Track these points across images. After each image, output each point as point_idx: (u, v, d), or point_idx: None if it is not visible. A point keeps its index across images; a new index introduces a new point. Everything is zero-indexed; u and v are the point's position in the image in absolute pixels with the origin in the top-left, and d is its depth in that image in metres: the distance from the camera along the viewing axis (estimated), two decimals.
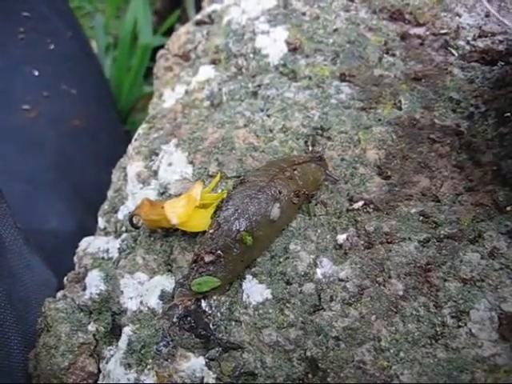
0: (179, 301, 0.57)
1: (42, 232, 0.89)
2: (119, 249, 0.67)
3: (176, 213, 0.60)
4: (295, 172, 0.62)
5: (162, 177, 0.70)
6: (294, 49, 0.79)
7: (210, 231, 0.58)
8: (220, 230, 0.57)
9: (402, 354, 0.51)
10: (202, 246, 0.58)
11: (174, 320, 0.55)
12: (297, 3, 0.85)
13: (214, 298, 0.57)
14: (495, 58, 0.74)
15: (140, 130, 0.78)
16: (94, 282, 0.63)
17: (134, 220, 0.65)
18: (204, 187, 0.63)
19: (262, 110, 0.74)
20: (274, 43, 0.80)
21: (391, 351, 0.52)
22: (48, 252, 0.79)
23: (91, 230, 0.76)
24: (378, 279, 0.56)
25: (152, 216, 0.62)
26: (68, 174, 1.00)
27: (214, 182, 0.64)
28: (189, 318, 0.55)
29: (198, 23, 0.90)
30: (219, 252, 0.56)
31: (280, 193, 0.59)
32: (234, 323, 0.56)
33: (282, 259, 0.59)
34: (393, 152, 0.67)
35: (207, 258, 0.56)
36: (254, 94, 0.77)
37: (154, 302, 0.59)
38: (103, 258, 0.67)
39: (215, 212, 0.61)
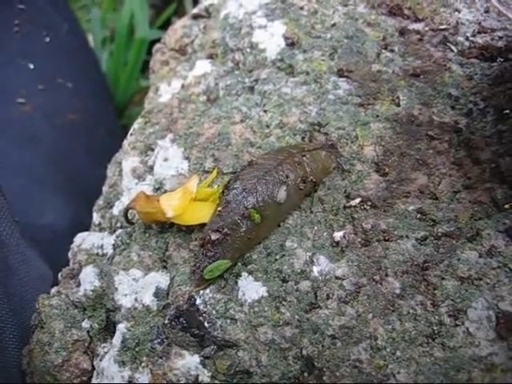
0: (195, 291, 0.57)
1: (37, 226, 0.89)
2: (114, 245, 0.66)
3: (171, 205, 0.60)
4: (304, 158, 0.62)
5: (158, 172, 0.70)
6: (291, 43, 0.78)
7: (219, 209, 0.58)
8: (229, 207, 0.57)
9: (398, 353, 0.51)
10: (210, 224, 0.58)
11: (166, 322, 0.55)
12: None
13: (210, 295, 0.57)
14: (494, 54, 0.73)
15: (136, 125, 0.77)
16: (89, 279, 0.63)
17: (129, 215, 0.65)
18: (200, 182, 0.62)
19: (259, 106, 0.73)
20: (271, 38, 0.80)
21: (388, 350, 0.51)
22: (44, 246, 0.79)
23: (87, 225, 0.76)
24: (374, 277, 0.56)
25: (148, 209, 0.62)
26: (64, 169, 0.99)
27: (212, 178, 0.64)
28: (181, 319, 0.55)
29: (195, 17, 0.90)
30: (226, 230, 0.56)
31: (287, 177, 0.59)
32: (229, 321, 0.55)
33: (278, 256, 0.59)
34: (390, 149, 0.67)
35: (213, 236, 0.56)
36: (251, 89, 0.76)
37: (148, 299, 0.59)
38: (98, 254, 0.67)
39: (223, 192, 0.61)
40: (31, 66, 1.04)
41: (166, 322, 0.55)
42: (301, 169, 0.61)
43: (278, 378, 0.52)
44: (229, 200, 0.58)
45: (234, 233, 0.56)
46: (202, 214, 0.61)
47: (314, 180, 0.62)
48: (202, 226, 0.60)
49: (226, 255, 0.56)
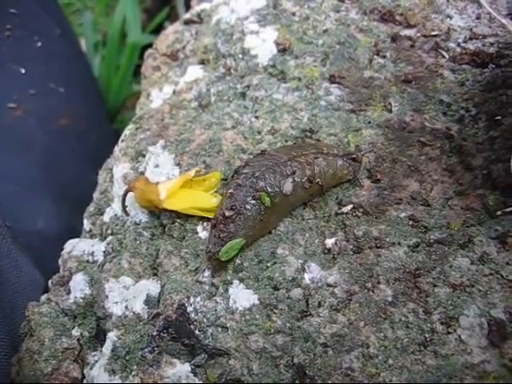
0: (217, 274, 0.58)
1: (28, 232, 0.88)
2: (104, 252, 0.66)
3: (166, 188, 0.63)
4: (316, 160, 0.62)
5: (149, 178, 0.69)
6: (283, 49, 0.78)
7: (230, 191, 0.59)
8: (240, 189, 0.59)
9: (390, 361, 0.51)
10: (222, 205, 0.59)
11: (154, 334, 0.54)
12: (286, 3, 0.84)
13: (201, 303, 0.56)
14: (486, 60, 0.73)
15: (127, 131, 0.77)
16: (79, 286, 0.62)
17: (127, 202, 0.66)
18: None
19: (251, 112, 0.73)
20: (263, 43, 0.79)
21: (380, 358, 0.51)
22: (35, 253, 0.78)
23: (78, 232, 0.75)
24: (366, 285, 0.56)
25: (145, 188, 0.64)
26: (55, 174, 0.99)
27: (213, 176, 0.65)
28: (170, 330, 0.54)
29: (187, 22, 0.89)
30: (239, 208, 0.58)
31: (293, 173, 0.60)
32: (220, 329, 0.55)
33: (269, 264, 0.58)
34: (382, 155, 0.66)
35: (227, 213, 0.57)
36: (243, 95, 0.76)
37: (139, 306, 0.58)
38: (88, 261, 0.66)
39: (232, 176, 0.63)
40: (22, 71, 1.03)
41: (155, 333, 0.54)
42: (309, 169, 0.61)
43: None
44: (239, 183, 0.59)
45: (247, 211, 0.58)
46: (191, 199, 0.63)
47: (320, 183, 0.62)
48: (192, 218, 0.63)
49: (238, 233, 0.57)
